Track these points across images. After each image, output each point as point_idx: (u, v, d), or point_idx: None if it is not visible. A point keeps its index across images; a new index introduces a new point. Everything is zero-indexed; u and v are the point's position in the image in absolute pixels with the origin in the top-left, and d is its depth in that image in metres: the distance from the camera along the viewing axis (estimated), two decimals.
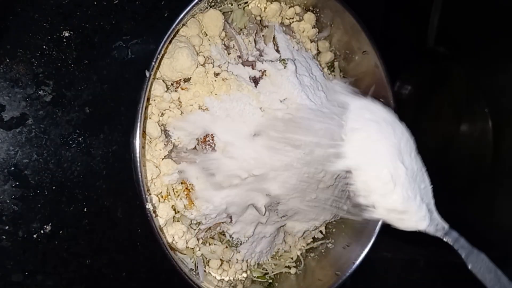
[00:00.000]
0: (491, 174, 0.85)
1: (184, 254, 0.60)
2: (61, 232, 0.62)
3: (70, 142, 0.62)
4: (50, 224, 0.62)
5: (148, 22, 0.66)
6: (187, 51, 0.55)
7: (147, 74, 0.51)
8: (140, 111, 0.50)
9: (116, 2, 0.64)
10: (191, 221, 0.59)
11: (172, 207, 0.58)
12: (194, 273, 0.60)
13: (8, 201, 0.60)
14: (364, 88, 0.70)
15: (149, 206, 0.51)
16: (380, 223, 0.65)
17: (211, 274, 0.64)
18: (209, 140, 0.57)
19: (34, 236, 0.61)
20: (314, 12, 0.67)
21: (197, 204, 0.58)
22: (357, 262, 0.64)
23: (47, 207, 0.61)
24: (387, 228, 0.66)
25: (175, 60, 0.55)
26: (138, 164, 0.50)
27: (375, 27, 0.65)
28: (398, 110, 0.68)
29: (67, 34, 0.61)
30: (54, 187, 0.62)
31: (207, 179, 0.57)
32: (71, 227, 0.63)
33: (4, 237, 0.59)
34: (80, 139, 0.63)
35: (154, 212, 0.55)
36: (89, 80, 0.63)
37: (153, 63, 0.52)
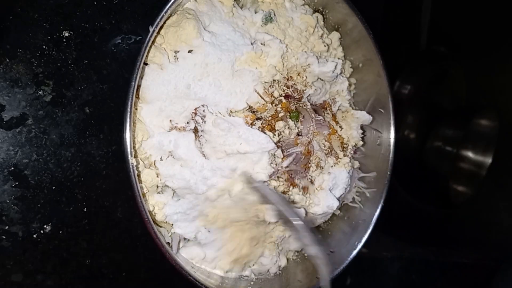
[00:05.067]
0: (491, 174, 0.85)
1: (161, 227, 0.60)
2: (61, 232, 0.62)
3: (70, 142, 0.62)
4: (50, 224, 0.62)
5: (148, 22, 0.65)
6: (194, 22, 0.56)
7: (150, 30, 0.52)
8: (137, 71, 0.51)
9: (116, 2, 0.64)
10: (173, 193, 0.58)
11: (157, 175, 0.57)
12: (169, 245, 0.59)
13: (8, 201, 0.60)
14: (364, 97, 0.71)
15: (132, 161, 0.51)
16: (367, 234, 0.66)
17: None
18: (199, 112, 0.57)
19: (34, 236, 0.61)
20: (323, 13, 0.68)
21: (181, 173, 0.57)
22: (340, 268, 0.64)
23: (47, 207, 0.61)
24: (387, 228, 0.66)
25: (181, 29, 0.56)
26: (128, 119, 0.50)
27: (375, 27, 0.66)
28: (398, 110, 0.68)
29: (67, 34, 0.61)
30: (54, 187, 0.62)
31: (194, 149, 0.57)
32: (71, 227, 0.63)
33: (4, 237, 0.59)
34: (80, 139, 0.63)
35: (138, 176, 0.55)
36: (89, 80, 0.63)
37: (158, 20, 0.53)
